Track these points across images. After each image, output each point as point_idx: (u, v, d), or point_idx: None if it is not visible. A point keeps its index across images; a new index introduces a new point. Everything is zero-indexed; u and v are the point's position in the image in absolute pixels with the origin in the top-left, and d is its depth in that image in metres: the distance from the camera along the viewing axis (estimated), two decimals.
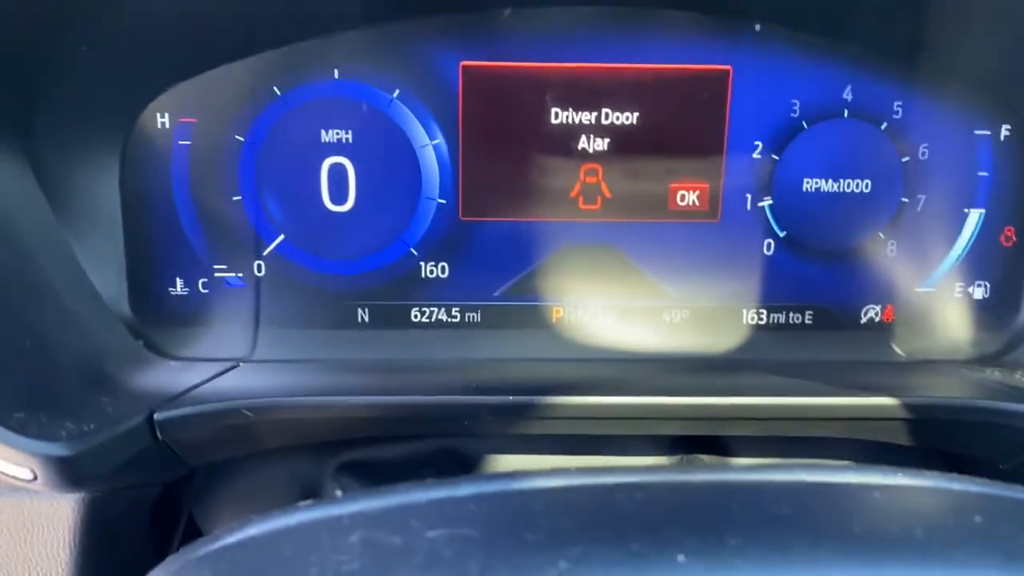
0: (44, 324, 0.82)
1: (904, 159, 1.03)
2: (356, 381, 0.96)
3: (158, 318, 1.01)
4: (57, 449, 0.68)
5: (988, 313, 1.07)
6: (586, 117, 1.00)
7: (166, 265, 1.01)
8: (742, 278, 1.06)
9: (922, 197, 1.04)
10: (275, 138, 0.99)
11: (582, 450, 1.03)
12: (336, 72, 0.98)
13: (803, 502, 0.52)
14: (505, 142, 1.01)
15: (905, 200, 1.04)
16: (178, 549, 0.54)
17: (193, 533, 1.00)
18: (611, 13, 0.98)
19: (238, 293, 1.03)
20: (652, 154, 1.02)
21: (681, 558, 0.44)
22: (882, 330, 1.08)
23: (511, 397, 0.88)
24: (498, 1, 0.96)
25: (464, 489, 0.56)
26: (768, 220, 1.04)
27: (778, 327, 1.08)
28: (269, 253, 1.02)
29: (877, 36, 0.99)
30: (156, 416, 0.79)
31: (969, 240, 1.06)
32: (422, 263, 1.04)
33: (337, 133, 0.99)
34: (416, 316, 1.05)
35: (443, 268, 1.04)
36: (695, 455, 1.04)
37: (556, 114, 1.00)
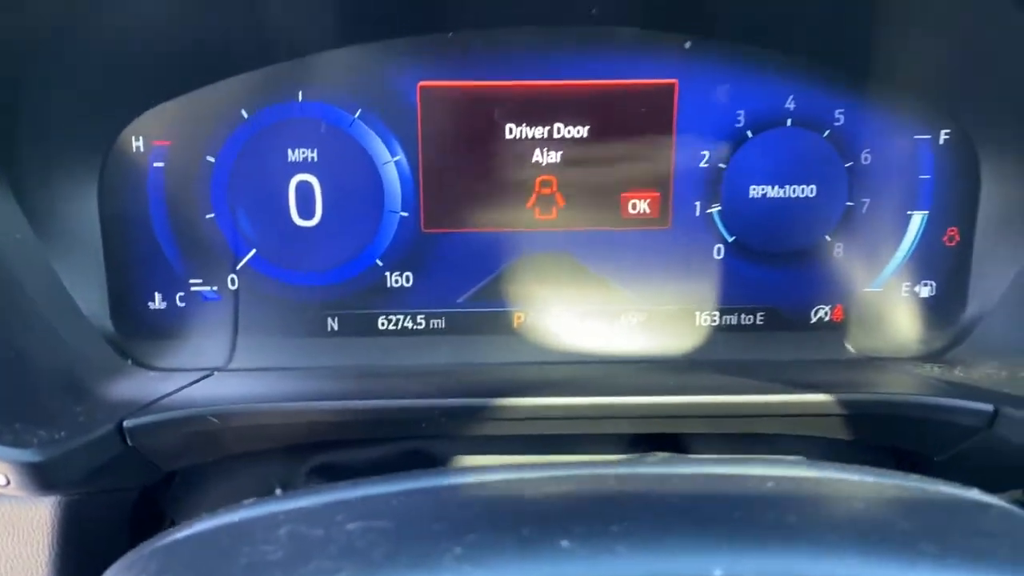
0: (24, 339, 0.88)
1: (848, 164, 1.07)
2: (324, 387, 1.01)
3: (139, 331, 1.07)
4: (28, 455, 0.74)
5: (935, 311, 1.11)
6: (539, 132, 1.05)
7: (145, 280, 1.07)
8: (694, 281, 1.11)
9: (866, 201, 1.08)
10: (244, 158, 1.04)
11: (545, 449, 1.07)
12: (300, 94, 1.03)
13: (691, 493, 0.57)
14: (463, 157, 1.06)
15: (850, 204, 1.08)
16: None
17: None
18: (560, 33, 1.02)
19: (214, 306, 1.08)
20: (603, 165, 1.06)
21: (565, 543, 0.49)
22: (832, 329, 1.12)
23: (475, 400, 0.93)
24: (451, 25, 1.01)
25: (384, 487, 0.62)
26: (717, 226, 1.09)
27: (731, 328, 1.12)
28: (242, 267, 1.07)
29: (818, 47, 1.03)
30: (126, 423, 0.84)
31: (914, 241, 1.10)
32: (387, 273, 1.09)
33: (303, 152, 1.04)
34: (383, 324, 1.10)
35: (407, 278, 1.09)
36: (653, 452, 1.09)
37: (510, 129, 1.05)
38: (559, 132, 1.05)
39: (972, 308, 1.09)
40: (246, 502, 0.64)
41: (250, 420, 0.91)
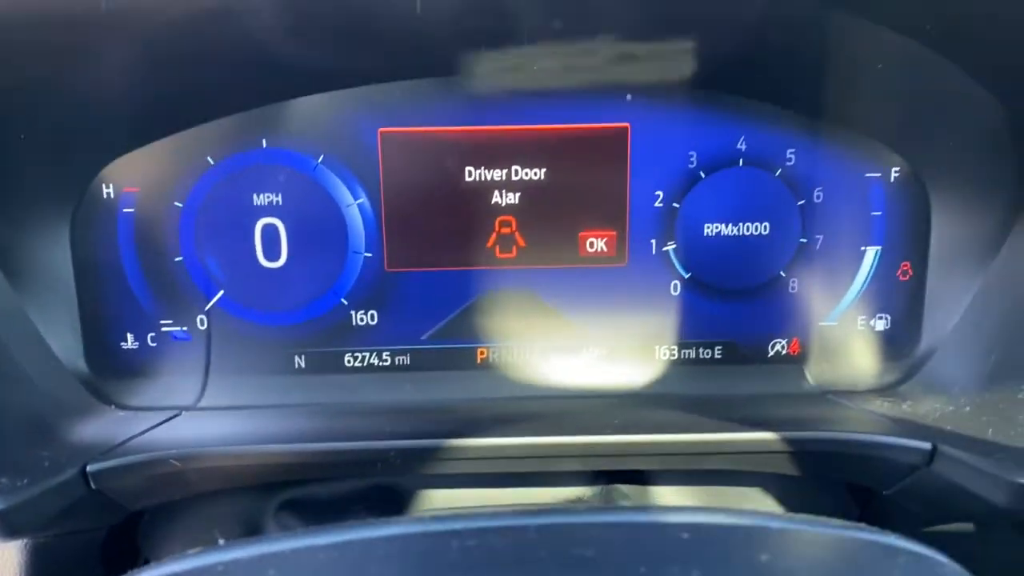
0: None
1: (800, 202, 1.10)
2: (290, 427, 1.03)
3: (112, 371, 1.10)
4: None
5: (889, 344, 1.13)
6: (497, 174, 1.08)
7: (117, 322, 1.10)
8: (653, 317, 1.13)
9: (820, 237, 1.11)
10: (211, 203, 1.08)
11: (508, 483, 1.10)
12: (264, 141, 1.07)
13: (602, 544, 0.60)
14: (424, 199, 1.09)
15: (803, 240, 1.11)
16: None
17: None
18: (515, 80, 1.05)
19: (184, 345, 1.11)
20: (561, 206, 1.09)
21: None
22: (789, 362, 1.15)
23: (439, 441, 0.96)
24: (410, 73, 1.04)
25: (321, 539, 0.65)
26: (673, 263, 1.11)
27: (690, 362, 1.14)
28: (211, 308, 1.11)
29: (768, 90, 1.06)
30: (89, 468, 0.88)
31: (867, 276, 1.12)
32: (353, 312, 1.12)
33: (268, 196, 1.08)
34: (349, 361, 1.13)
35: (372, 316, 1.12)
36: (615, 486, 1.11)
37: (469, 172, 1.08)
38: (517, 174, 1.08)
39: (926, 341, 1.11)
40: (190, 552, 0.67)
41: (213, 463, 0.94)
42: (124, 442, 0.94)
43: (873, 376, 1.13)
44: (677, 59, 1.01)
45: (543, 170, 1.08)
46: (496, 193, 1.09)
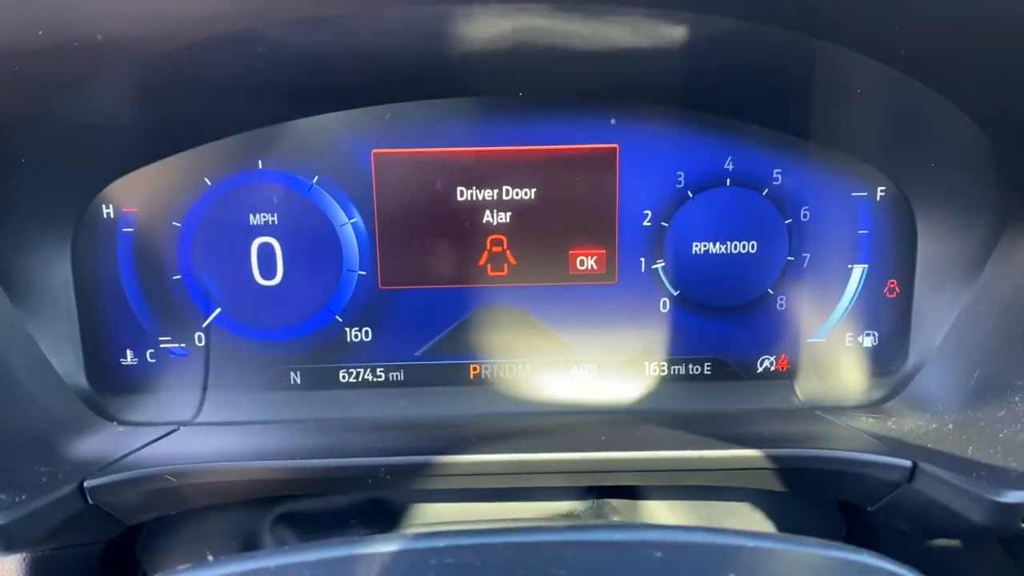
0: None
1: (787, 221, 1.11)
2: (285, 443, 1.05)
3: (112, 387, 1.12)
4: None
5: (877, 361, 1.15)
6: (489, 194, 1.10)
7: (117, 339, 1.12)
8: (643, 334, 1.15)
9: (807, 255, 1.12)
10: (208, 223, 1.10)
11: (501, 498, 1.12)
12: (260, 162, 1.09)
13: (582, 560, 0.61)
14: (416, 218, 1.11)
15: (791, 258, 1.12)
16: None
17: None
18: (504, 102, 1.07)
19: (182, 361, 1.14)
20: (551, 224, 1.11)
21: None
22: (778, 379, 1.16)
23: (432, 457, 0.98)
24: (403, 96, 1.07)
25: (307, 555, 0.66)
26: (662, 280, 1.13)
27: (679, 378, 1.16)
28: (208, 325, 1.13)
29: (754, 111, 1.08)
30: (86, 483, 0.90)
31: (855, 293, 1.13)
32: (347, 329, 1.14)
33: (264, 216, 1.10)
34: (344, 377, 1.16)
35: (367, 333, 1.14)
36: (606, 501, 1.13)
37: (461, 192, 1.10)
38: (508, 194, 1.10)
39: (913, 358, 1.12)
40: (180, 568, 0.69)
41: (210, 478, 0.95)
42: (122, 457, 0.97)
43: (861, 392, 1.14)
44: (663, 82, 1.03)
45: (534, 190, 1.10)
46: (488, 212, 1.11)
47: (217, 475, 0.95)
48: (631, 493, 1.12)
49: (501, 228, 1.11)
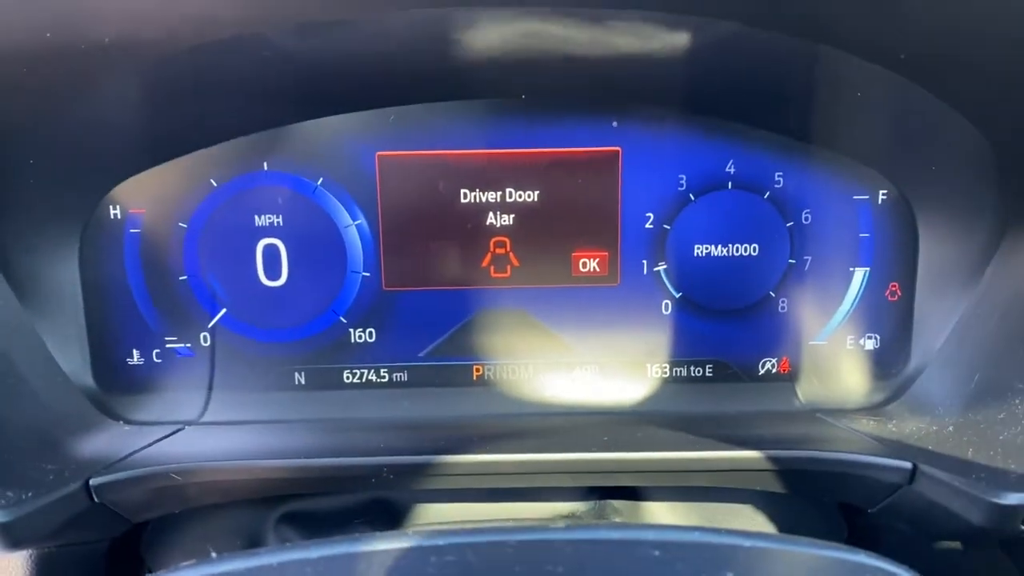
0: (3, 403, 0.94)
1: (789, 224, 1.12)
2: (290, 443, 1.06)
3: (118, 386, 1.14)
4: None
5: (878, 364, 1.15)
6: (492, 196, 1.11)
7: (123, 339, 1.13)
8: (645, 335, 1.15)
9: (808, 258, 1.13)
10: (214, 224, 1.11)
11: (503, 498, 1.12)
12: (265, 164, 1.10)
13: (580, 559, 0.62)
14: (420, 220, 1.12)
15: (792, 261, 1.13)
16: None
17: None
18: (508, 105, 1.08)
19: (187, 361, 1.15)
20: (554, 227, 1.12)
21: None
22: (779, 381, 1.17)
23: (435, 457, 0.98)
24: (407, 99, 1.08)
25: (310, 552, 0.67)
26: (664, 283, 1.14)
27: (681, 380, 1.17)
28: (213, 325, 1.14)
29: (756, 115, 1.08)
30: (92, 481, 0.91)
31: (856, 296, 1.14)
32: (351, 330, 1.15)
33: (269, 217, 1.11)
34: (348, 377, 1.16)
35: (370, 333, 1.15)
36: (607, 501, 1.13)
37: (464, 194, 1.11)
38: (511, 196, 1.11)
39: (914, 361, 1.13)
40: (183, 564, 0.70)
41: (214, 476, 0.96)
42: (127, 456, 0.98)
43: (862, 395, 1.15)
44: (666, 86, 1.04)
45: (537, 192, 1.11)
46: (491, 214, 1.11)
47: (222, 474, 0.96)
48: (632, 494, 1.13)
49: (504, 230, 1.12)
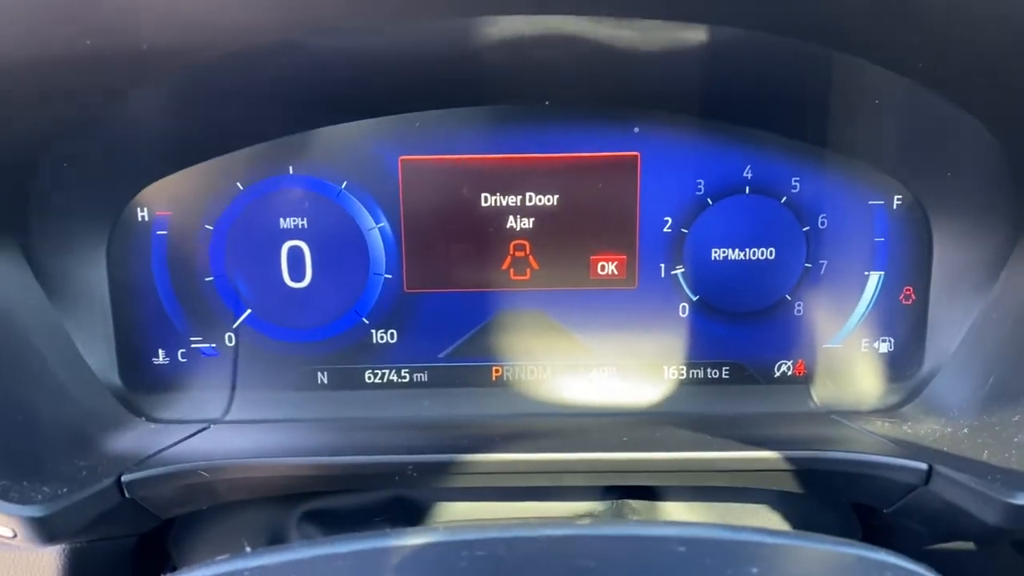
0: (36, 400, 0.97)
1: (805, 228, 1.14)
2: (313, 441, 1.08)
3: (144, 385, 1.16)
4: (32, 511, 0.82)
5: (893, 367, 1.17)
6: (512, 200, 1.13)
7: (150, 338, 1.16)
8: (662, 338, 1.17)
9: (824, 262, 1.15)
10: (240, 226, 1.13)
11: (522, 497, 1.14)
12: (291, 168, 1.12)
13: (608, 554, 0.64)
14: (441, 223, 1.14)
15: (808, 265, 1.15)
16: None
17: None
18: (530, 111, 1.10)
19: (212, 361, 1.17)
20: (573, 230, 1.14)
21: None
22: (795, 383, 1.18)
23: (455, 455, 1.00)
24: (430, 104, 1.10)
25: (341, 547, 0.69)
26: (681, 286, 1.15)
27: (697, 382, 1.18)
28: (238, 326, 1.16)
29: (773, 121, 1.10)
30: (124, 477, 0.93)
31: (871, 300, 1.15)
32: (373, 330, 1.17)
33: (294, 220, 1.13)
34: (369, 378, 1.18)
35: (392, 334, 1.17)
36: (625, 501, 1.15)
37: (485, 198, 1.13)
38: (531, 200, 1.13)
39: (928, 364, 1.14)
40: (218, 558, 0.72)
41: (241, 473, 0.98)
42: (156, 453, 1.00)
43: (876, 397, 1.16)
44: (685, 92, 1.06)
45: (556, 196, 1.13)
46: (511, 218, 1.13)
47: (248, 471, 0.98)
48: (649, 494, 1.14)
49: (524, 233, 1.14)
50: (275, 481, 1.01)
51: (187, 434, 1.08)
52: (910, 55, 0.88)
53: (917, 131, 1.04)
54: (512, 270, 1.15)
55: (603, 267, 1.15)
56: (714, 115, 1.10)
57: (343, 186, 1.13)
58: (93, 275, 1.11)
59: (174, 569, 1.15)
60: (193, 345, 1.16)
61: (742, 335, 1.17)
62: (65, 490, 0.86)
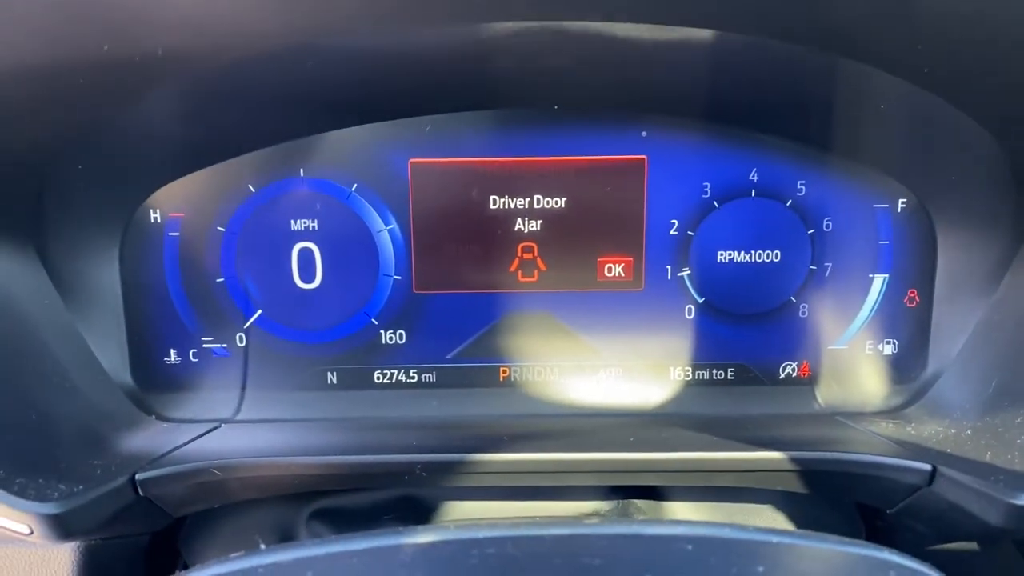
0: (50, 399, 0.98)
1: (810, 231, 1.15)
2: (323, 440, 1.09)
3: (155, 385, 1.17)
4: (49, 508, 0.84)
5: (897, 368, 1.18)
6: (520, 203, 1.14)
7: (161, 339, 1.17)
8: (668, 339, 1.18)
9: (829, 265, 1.16)
10: (251, 228, 1.15)
11: (529, 496, 1.15)
12: (302, 171, 1.13)
13: (614, 552, 0.65)
14: (450, 225, 1.15)
15: (813, 268, 1.16)
16: None
17: None
18: (538, 114, 1.11)
19: (223, 361, 1.18)
20: (580, 233, 1.15)
21: None
22: (799, 384, 1.19)
23: (463, 455, 1.01)
24: (440, 108, 1.11)
25: (354, 544, 0.70)
26: (688, 288, 1.17)
27: (703, 383, 1.19)
28: (249, 326, 1.17)
29: (779, 125, 1.11)
30: (138, 476, 0.94)
31: (875, 302, 1.16)
32: (382, 331, 1.18)
33: (304, 222, 1.14)
34: (378, 378, 1.20)
35: (401, 335, 1.19)
36: (630, 500, 1.16)
37: (494, 201, 1.14)
38: (539, 203, 1.14)
39: (932, 366, 1.15)
40: (232, 555, 0.73)
41: (252, 472, 1.00)
42: (168, 452, 1.01)
43: (880, 399, 1.17)
44: (692, 96, 1.07)
45: (564, 199, 1.14)
46: (519, 220, 1.14)
47: (260, 470, 0.99)
48: (655, 494, 1.16)
49: (532, 236, 1.15)
50: (285, 480, 1.02)
51: (199, 433, 1.09)
52: (915, 60, 0.89)
53: (922, 136, 1.05)
54: (520, 272, 1.16)
55: (610, 269, 1.16)
56: (721, 119, 1.11)
57: (353, 188, 1.14)
58: (106, 276, 1.12)
59: (185, 567, 1.16)
60: (204, 345, 1.18)
61: (747, 337, 1.18)
62: (80, 488, 0.88)
